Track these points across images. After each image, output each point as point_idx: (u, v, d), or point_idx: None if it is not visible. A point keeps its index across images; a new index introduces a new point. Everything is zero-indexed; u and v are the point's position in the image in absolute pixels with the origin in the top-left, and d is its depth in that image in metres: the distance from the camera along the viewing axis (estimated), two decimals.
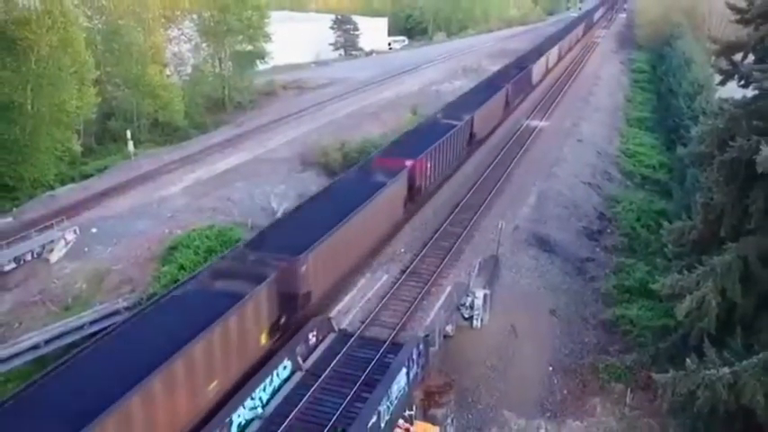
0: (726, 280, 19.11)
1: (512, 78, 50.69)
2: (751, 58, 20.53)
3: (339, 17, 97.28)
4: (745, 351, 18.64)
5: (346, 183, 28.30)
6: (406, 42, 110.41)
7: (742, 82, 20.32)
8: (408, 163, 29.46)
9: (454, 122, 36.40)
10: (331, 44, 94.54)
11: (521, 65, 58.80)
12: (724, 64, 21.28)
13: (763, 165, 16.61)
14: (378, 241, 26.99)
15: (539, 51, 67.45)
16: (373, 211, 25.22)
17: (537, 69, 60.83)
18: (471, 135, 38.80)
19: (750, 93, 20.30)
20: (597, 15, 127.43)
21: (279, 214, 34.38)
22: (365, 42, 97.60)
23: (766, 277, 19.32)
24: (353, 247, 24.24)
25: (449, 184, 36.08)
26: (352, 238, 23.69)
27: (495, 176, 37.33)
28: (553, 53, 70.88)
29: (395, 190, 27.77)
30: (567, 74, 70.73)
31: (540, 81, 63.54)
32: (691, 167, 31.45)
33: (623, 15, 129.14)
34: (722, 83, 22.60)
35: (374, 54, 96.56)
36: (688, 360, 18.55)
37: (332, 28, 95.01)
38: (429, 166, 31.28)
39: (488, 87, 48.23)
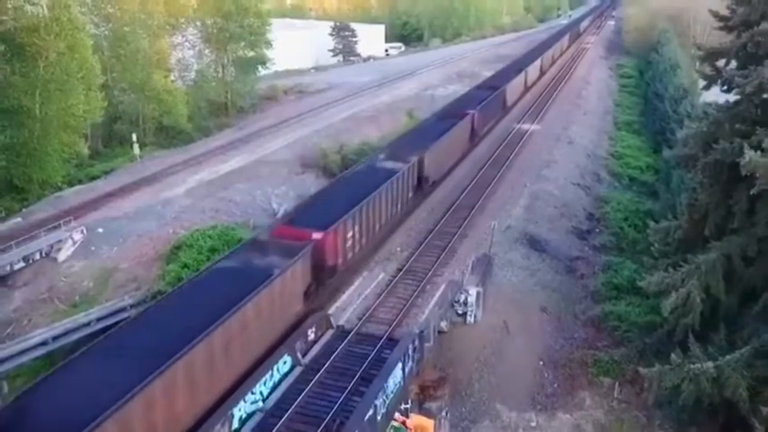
0: (710, 277, 19.23)
1: (479, 103, 42.00)
2: (733, 64, 20.56)
3: (338, 24, 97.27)
4: (729, 346, 18.74)
5: (222, 273, 19.72)
6: (403, 48, 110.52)
7: (725, 87, 20.40)
8: (317, 236, 21.54)
9: (397, 166, 28.73)
10: (330, 50, 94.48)
11: (492, 85, 50.20)
12: (708, 69, 21.33)
13: (747, 168, 16.68)
14: (257, 357, 18.20)
15: (516, 68, 58.91)
16: (249, 316, 17.54)
17: (512, 89, 52.34)
18: (421, 179, 30.95)
19: (732, 97, 20.38)
20: (584, 24, 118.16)
21: (279, 215, 34.37)
22: (363, 48, 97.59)
23: (749, 275, 19.43)
24: (208, 382, 16.17)
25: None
26: (202, 368, 15.74)
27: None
28: (533, 69, 62.32)
29: (290, 279, 19.78)
30: (550, 89, 64.94)
31: (518, 101, 55.30)
32: (676, 169, 31.60)
33: (612, 23, 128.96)
34: (706, 87, 22.72)
35: (371, 60, 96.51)
36: (673, 355, 18.66)
37: (331, 35, 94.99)
38: (351, 234, 23.53)
39: (449, 116, 39.25)
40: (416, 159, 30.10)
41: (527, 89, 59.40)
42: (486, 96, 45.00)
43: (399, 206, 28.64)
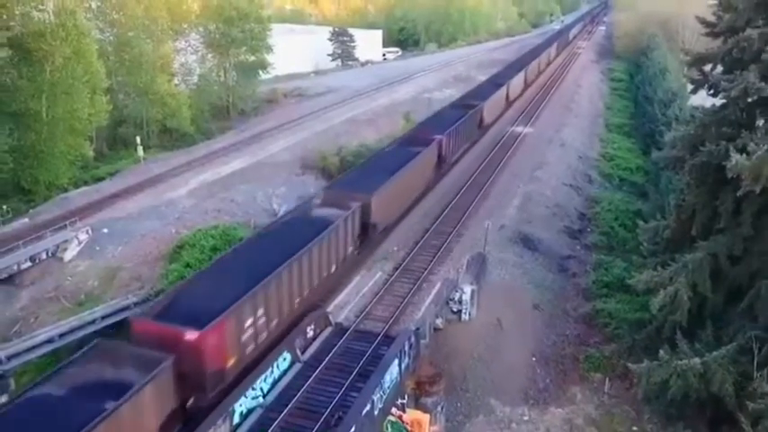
0: (697, 276, 19.31)
1: (450, 126, 35.59)
2: (720, 68, 20.61)
3: (336, 29, 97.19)
4: (715, 343, 18.85)
5: (30, 409, 13.47)
6: (400, 53, 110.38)
7: (711, 91, 20.45)
8: (190, 336, 15.35)
9: (333, 215, 22.91)
10: (329, 55, 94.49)
11: (468, 103, 43.40)
12: (695, 74, 21.38)
13: (733, 171, 16.74)
14: None
15: (497, 82, 52.01)
16: None
17: (491, 106, 46.37)
18: (366, 227, 25.02)
19: (719, 101, 20.42)
20: (574, 32, 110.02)
21: (279, 215, 34.34)
22: (361, 53, 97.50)
23: (735, 274, 19.51)
24: None
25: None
26: None
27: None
28: (516, 82, 55.80)
29: (132, 414, 13.65)
30: (542, 94, 62.68)
31: (499, 117, 49.69)
32: (665, 171, 31.61)
33: (603, 28, 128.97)
34: (693, 92, 22.76)
35: (369, 64, 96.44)
36: (661, 351, 18.74)
37: (330, 39, 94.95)
38: (252, 320, 17.65)
39: (413, 142, 32.68)
40: (359, 205, 24.12)
41: (509, 104, 53.20)
42: (459, 118, 38.31)
43: (334, 267, 22.59)
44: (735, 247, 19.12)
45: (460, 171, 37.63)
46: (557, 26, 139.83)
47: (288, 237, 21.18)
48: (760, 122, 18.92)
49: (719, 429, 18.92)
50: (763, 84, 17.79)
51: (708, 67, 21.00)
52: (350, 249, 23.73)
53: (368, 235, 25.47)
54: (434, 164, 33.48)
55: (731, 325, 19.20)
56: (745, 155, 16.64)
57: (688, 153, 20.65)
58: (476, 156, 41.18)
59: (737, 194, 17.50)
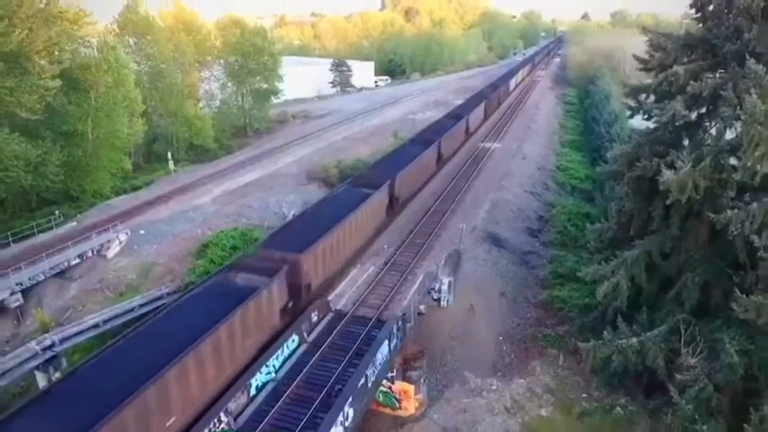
0: (634, 269, 19.45)
1: (404, 165, 29.70)
2: (652, 98, 20.81)
3: (336, 61, 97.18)
4: (650, 324, 19.00)
5: None
6: (389, 81, 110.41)
7: (645, 116, 20.63)
8: None
9: (254, 281, 17.79)
10: (330, 82, 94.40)
11: (426, 138, 35.35)
12: (632, 102, 21.55)
13: (665, 185, 16.93)
14: None
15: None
16: None
17: (449, 141, 39.07)
18: (299, 288, 20.02)
19: (652, 124, 20.63)
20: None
21: (289, 218, 34.29)
22: (356, 81, 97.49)
23: (665, 267, 19.69)
24: None
25: None
26: None
27: None
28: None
29: None
30: (509, 112, 61.63)
31: (457, 150, 41.61)
32: (608, 181, 31.77)
33: (558, 60, 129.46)
34: (630, 116, 22.93)
35: (363, 90, 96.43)
36: (605, 332, 18.87)
37: (330, 69, 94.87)
38: None
39: (364, 184, 26.94)
40: (286, 268, 18.53)
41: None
42: (416, 155, 31.87)
43: (256, 341, 17.32)
44: (665, 246, 19.30)
45: (443, 176, 37.63)
46: (519, 58, 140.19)
47: (194, 316, 16.04)
48: (686, 143, 19.14)
49: (653, 395, 19.14)
50: (687, 111, 18.04)
51: (642, 97, 21.19)
52: (275, 321, 17.64)
53: (301, 296, 20.19)
54: (385, 207, 27.86)
55: (662, 310, 19.36)
56: (673, 170, 16.84)
57: (626, 168, 20.75)
58: (456, 164, 41.29)
59: (667, 202, 17.68)
